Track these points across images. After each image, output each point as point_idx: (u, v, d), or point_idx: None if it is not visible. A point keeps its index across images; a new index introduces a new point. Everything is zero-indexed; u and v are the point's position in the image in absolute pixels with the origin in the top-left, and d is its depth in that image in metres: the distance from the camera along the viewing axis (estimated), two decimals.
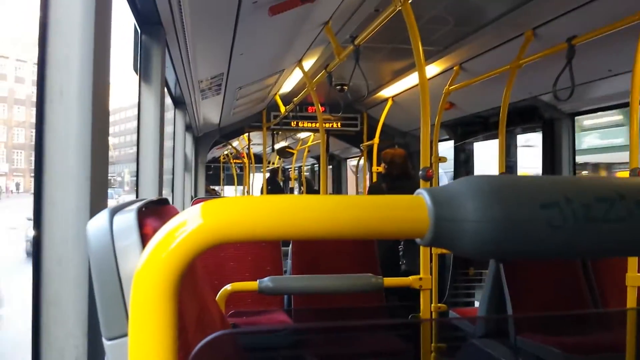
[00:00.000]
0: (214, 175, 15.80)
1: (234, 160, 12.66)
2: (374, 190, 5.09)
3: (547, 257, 0.52)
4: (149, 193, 2.72)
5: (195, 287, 1.30)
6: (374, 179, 6.51)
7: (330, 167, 11.74)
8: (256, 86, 5.68)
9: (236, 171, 12.91)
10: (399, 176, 4.49)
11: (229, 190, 16.41)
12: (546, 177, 0.55)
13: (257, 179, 12.01)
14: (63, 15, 1.34)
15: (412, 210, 0.52)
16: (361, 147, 7.43)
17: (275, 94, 6.60)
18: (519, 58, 3.55)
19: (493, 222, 0.50)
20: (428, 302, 2.51)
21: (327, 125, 7.24)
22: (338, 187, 11.39)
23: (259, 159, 11.15)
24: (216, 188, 16.23)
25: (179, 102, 5.41)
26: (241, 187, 12.11)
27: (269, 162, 14.26)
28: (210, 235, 0.49)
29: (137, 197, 2.77)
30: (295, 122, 7.45)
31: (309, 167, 14.85)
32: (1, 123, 54.89)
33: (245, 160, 11.59)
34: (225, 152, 12.58)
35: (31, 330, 1.28)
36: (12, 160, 55.05)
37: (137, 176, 2.77)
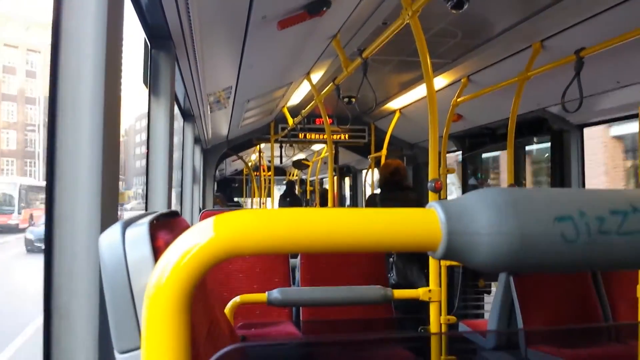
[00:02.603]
0: (238, 188, 15.70)
1: (256, 173, 12.66)
2: (369, 201, 5.13)
3: (561, 270, 0.52)
4: (159, 205, 2.73)
5: (206, 299, 1.30)
6: None
7: (348, 177, 11.72)
8: (264, 99, 5.70)
9: (257, 183, 12.90)
10: (387, 187, 4.50)
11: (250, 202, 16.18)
12: (559, 189, 0.54)
13: (279, 190, 11.92)
14: (75, 29, 1.36)
15: (424, 223, 0.52)
16: (369, 159, 7.43)
17: (284, 106, 6.62)
18: (527, 70, 3.55)
19: (507, 236, 0.49)
20: (437, 314, 2.49)
21: (335, 137, 7.25)
22: (354, 198, 11.40)
23: (277, 170, 11.11)
24: (240, 200, 16.07)
25: (187, 115, 5.43)
26: (258, 200, 12.06)
27: (289, 174, 14.26)
28: (222, 248, 0.49)
29: (146, 209, 2.78)
30: (303, 134, 7.48)
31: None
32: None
33: (259, 172, 11.58)
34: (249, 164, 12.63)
35: (42, 343, 1.29)
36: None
37: (146, 188, 2.78)
